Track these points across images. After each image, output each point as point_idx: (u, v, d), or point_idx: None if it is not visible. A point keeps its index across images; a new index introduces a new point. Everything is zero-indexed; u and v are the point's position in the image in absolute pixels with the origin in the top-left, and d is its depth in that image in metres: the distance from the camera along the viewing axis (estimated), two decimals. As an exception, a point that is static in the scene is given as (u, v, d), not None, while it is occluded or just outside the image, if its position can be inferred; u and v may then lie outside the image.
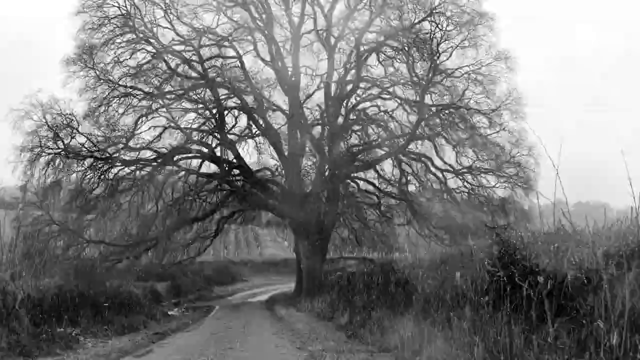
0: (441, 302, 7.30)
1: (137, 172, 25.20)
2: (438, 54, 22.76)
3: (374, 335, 9.08)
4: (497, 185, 23.78)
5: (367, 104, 26.95)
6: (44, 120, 22.45)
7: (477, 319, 6.11)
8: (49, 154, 22.88)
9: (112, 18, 23.58)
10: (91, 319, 12.49)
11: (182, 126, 25.92)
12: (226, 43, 25.99)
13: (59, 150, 22.97)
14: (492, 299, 6.20)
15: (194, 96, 25.88)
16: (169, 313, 20.28)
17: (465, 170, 23.69)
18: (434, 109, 24.89)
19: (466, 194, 24.67)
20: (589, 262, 5.50)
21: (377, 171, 27.03)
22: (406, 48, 23.51)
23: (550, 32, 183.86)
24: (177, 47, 25.18)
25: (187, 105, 26.34)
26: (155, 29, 24.16)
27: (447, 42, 22.80)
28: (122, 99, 24.53)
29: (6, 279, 9.11)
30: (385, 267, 11.34)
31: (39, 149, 22.37)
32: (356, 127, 26.76)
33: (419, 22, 24.23)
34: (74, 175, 24.29)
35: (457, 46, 22.59)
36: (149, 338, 11.31)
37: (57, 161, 23.17)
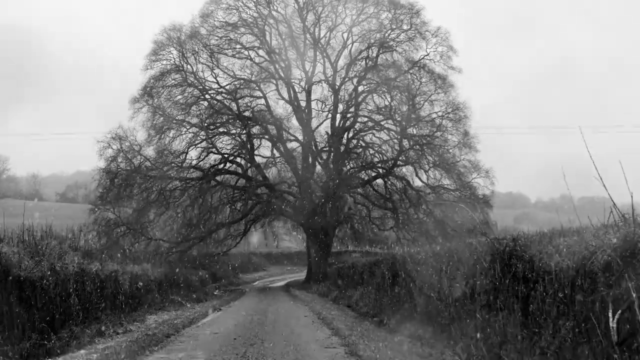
0: (369, 281, 14.85)
1: (186, 185, 32.97)
2: (414, 105, 30.03)
3: (344, 300, 16.73)
4: (459, 202, 30.85)
5: (364, 133, 34.35)
6: (121, 148, 30.34)
7: (381, 285, 13.62)
8: (122, 174, 30.74)
9: (170, 71, 31.38)
10: (177, 293, 20.19)
11: (218, 146, 33.65)
12: (254, 85, 33.58)
13: (131, 171, 30.75)
14: (391, 275, 13.57)
15: (231, 129, 33.35)
16: (214, 293, 27.87)
17: (432, 191, 30.88)
18: (416, 138, 32.15)
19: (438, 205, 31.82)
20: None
21: (372, 186, 34.44)
22: (389, 99, 30.83)
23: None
24: (217, 90, 32.94)
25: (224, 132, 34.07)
26: (201, 80, 31.88)
27: (420, 95, 30.14)
28: (174, 129, 32.23)
29: (148, 268, 16.76)
30: (354, 264, 19.00)
31: (118, 170, 30.26)
32: (355, 154, 34.02)
33: (403, 73, 31.61)
34: (139, 188, 32.12)
35: (427, 100, 29.91)
36: (225, 301, 19.07)
37: (128, 179, 31.02)
